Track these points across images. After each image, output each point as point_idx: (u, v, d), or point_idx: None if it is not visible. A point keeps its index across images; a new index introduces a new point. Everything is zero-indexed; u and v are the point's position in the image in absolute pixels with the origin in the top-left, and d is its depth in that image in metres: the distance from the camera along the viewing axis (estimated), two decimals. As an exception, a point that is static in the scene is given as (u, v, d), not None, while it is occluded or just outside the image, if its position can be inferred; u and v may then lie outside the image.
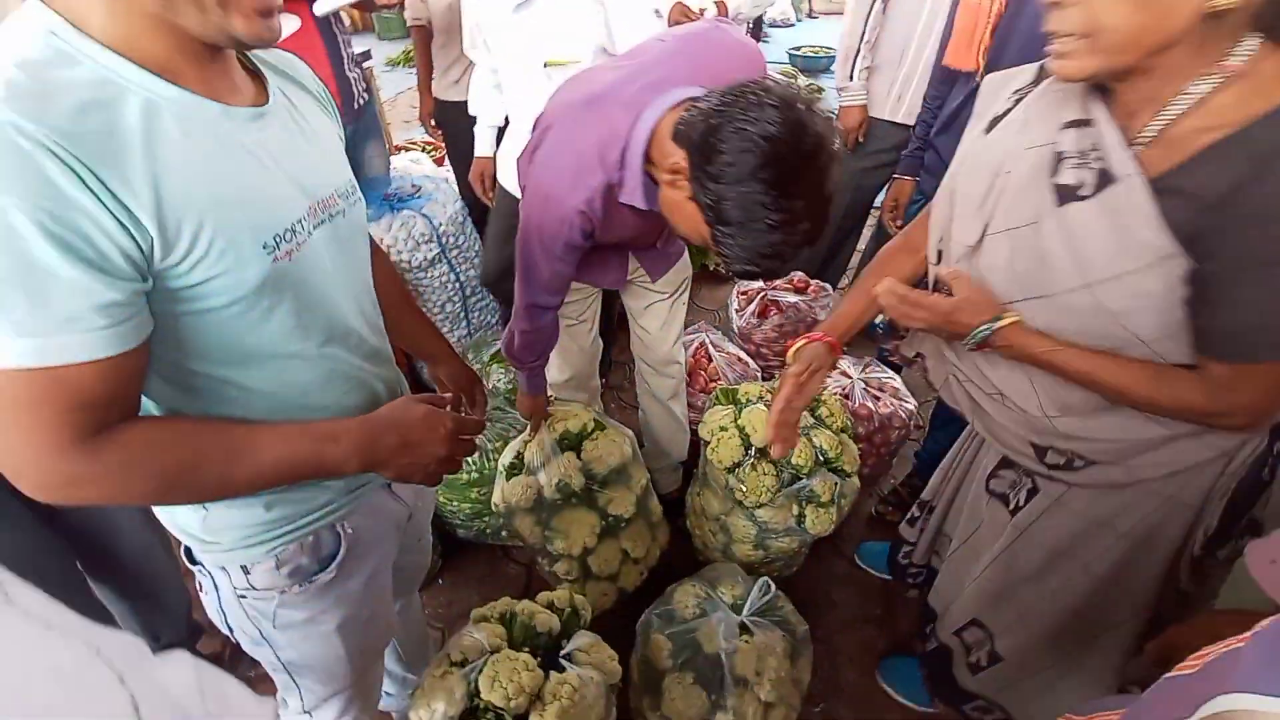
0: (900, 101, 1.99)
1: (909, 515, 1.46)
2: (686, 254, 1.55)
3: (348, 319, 0.76)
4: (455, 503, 1.66)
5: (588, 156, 1.02)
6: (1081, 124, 0.76)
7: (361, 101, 1.97)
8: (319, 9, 1.68)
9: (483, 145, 1.88)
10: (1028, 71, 0.88)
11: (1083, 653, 1.11)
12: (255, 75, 0.70)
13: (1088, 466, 0.92)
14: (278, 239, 0.64)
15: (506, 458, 1.52)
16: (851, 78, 2.01)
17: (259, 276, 0.62)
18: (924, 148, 1.78)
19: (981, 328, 0.85)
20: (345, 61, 1.86)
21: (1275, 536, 0.73)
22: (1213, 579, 0.99)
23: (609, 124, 1.00)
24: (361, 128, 2.03)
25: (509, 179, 1.64)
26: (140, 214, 0.53)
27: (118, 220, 0.52)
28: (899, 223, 1.84)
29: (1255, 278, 0.68)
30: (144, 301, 0.57)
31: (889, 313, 0.93)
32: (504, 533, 1.69)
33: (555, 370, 1.67)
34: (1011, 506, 1.08)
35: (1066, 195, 0.76)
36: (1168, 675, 0.53)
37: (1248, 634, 0.45)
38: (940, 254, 0.97)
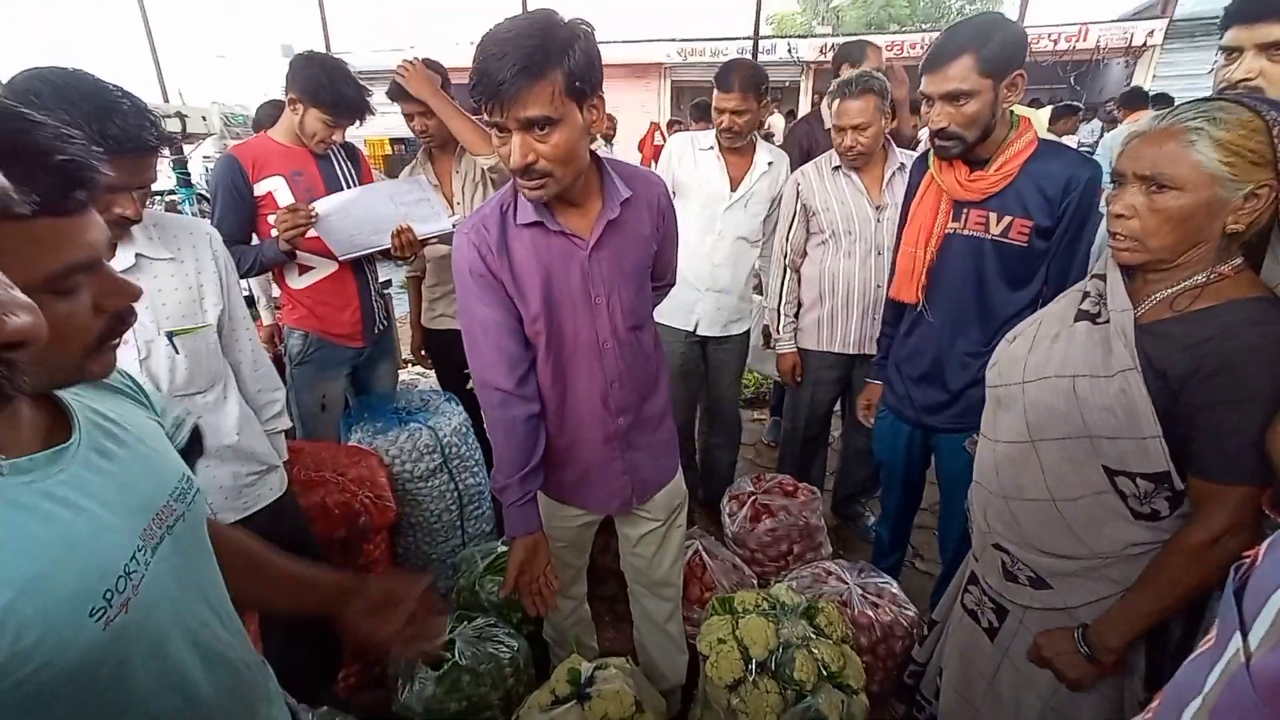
0: (831, 334, 2.30)
1: (904, 635, 1.61)
2: (680, 477, 1.56)
3: (190, 654, 0.64)
4: (439, 734, 1.54)
5: (487, 205, 1.24)
6: (1103, 277, 1.09)
7: (382, 327, 2.20)
8: (340, 255, 1.94)
9: None
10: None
11: None
12: (45, 403, 0.60)
13: (1037, 587, 1.17)
14: (110, 595, 0.53)
15: None
16: (779, 332, 2.38)
17: (85, 651, 0.51)
18: (885, 359, 1.99)
19: (1080, 649, 1.10)
20: (373, 295, 2.13)
21: None
22: None
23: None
24: (378, 350, 2.25)
25: None
26: None
27: None
28: (874, 418, 1.99)
29: (1224, 411, 0.92)
30: None
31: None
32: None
33: None
34: (985, 626, 1.28)
35: (1081, 316, 1.10)
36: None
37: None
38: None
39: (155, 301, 1.29)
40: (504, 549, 1.99)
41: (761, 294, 2.58)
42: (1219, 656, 0.49)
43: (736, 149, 2.26)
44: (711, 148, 2.27)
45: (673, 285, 1.55)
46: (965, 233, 1.58)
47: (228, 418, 1.42)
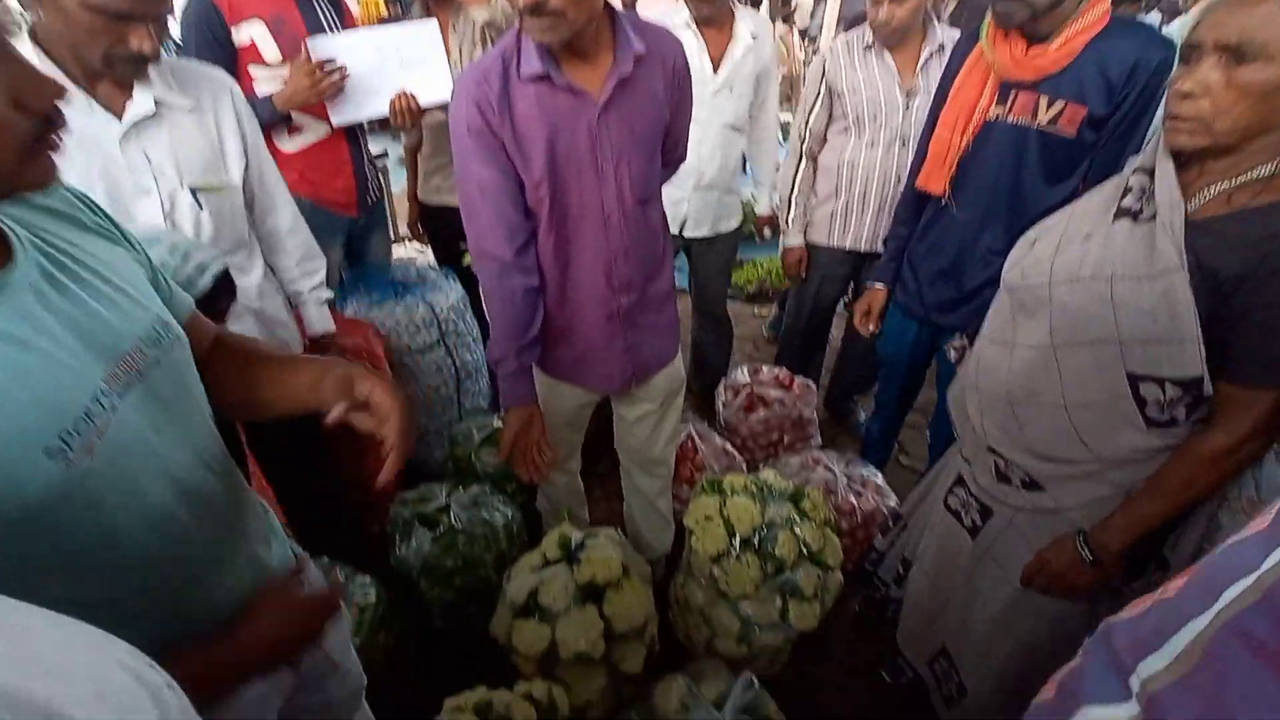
0: (844, 229, 2.20)
1: (881, 524, 1.64)
2: (680, 361, 1.55)
3: (176, 500, 0.63)
4: (437, 590, 1.63)
5: (487, 57, 1.14)
6: (1148, 170, 0.98)
7: (375, 198, 2.11)
8: (336, 121, 1.82)
9: None
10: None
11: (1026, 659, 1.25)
12: None
13: (1029, 489, 1.16)
14: (67, 436, 0.51)
15: (519, 591, 1.40)
16: (788, 224, 2.27)
17: (44, 491, 0.49)
18: (898, 259, 1.92)
19: (1083, 553, 1.08)
20: (365, 163, 2.02)
21: None
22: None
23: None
24: (371, 221, 2.16)
25: None
26: None
27: None
28: (872, 327, 1.95)
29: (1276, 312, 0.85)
30: None
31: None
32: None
33: None
34: (968, 525, 1.28)
35: (1121, 214, 1.00)
36: (1036, 702, 0.65)
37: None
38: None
39: (178, 153, 1.23)
40: (499, 423, 2.02)
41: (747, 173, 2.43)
42: None
43: (713, 21, 1.99)
44: (688, 26, 1.99)
45: (682, 161, 1.46)
46: (1009, 119, 1.46)
47: (251, 284, 1.42)
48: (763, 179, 2.41)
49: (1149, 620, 0.52)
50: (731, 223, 2.32)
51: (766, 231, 2.58)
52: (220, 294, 1.17)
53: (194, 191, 1.26)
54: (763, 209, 2.48)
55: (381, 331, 2.02)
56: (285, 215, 1.49)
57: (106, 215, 0.70)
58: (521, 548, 1.74)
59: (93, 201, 0.68)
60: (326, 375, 0.79)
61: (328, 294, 1.62)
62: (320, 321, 1.63)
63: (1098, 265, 1.00)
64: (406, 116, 1.85)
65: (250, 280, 1.42)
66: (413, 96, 1.83)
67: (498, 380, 1.34)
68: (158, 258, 1.03)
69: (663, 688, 1.32)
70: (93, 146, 1.15)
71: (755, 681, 1.31)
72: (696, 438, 2.05)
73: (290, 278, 1.56)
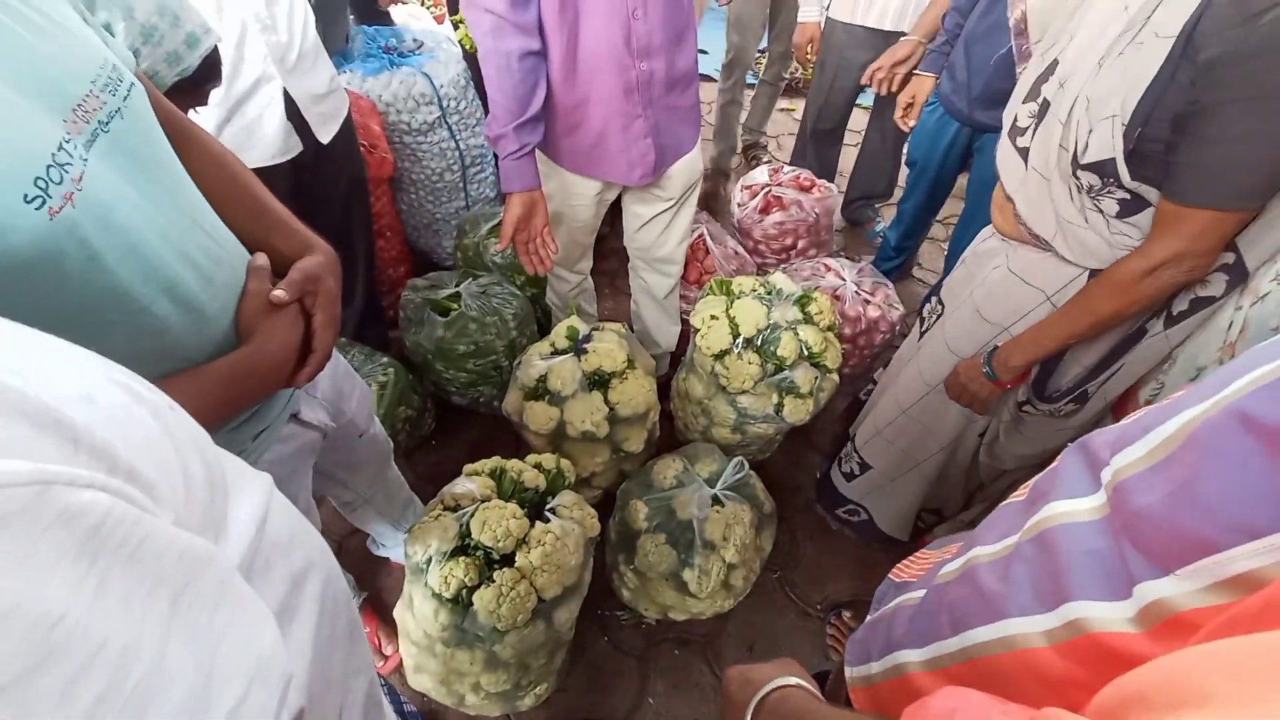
0: (869, 4, 1.93)
1: (886, 334, 1.84)
2: (699, 151, 1.47)
3: (179, 262, 0.61)
4: (451, 371, 1.72)
5: None
6: None
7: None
8: None
9: None
10: None
11: (910, 471, 1.47)
12: None
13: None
14: (42, 183, 0.48)
15: (529, 376, 1.44)
16: None
17: (34, 239, 0.47)
18: (950, 46, 1.70)
19: (984, 369, 1.13)
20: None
21: None
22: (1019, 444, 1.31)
23: None
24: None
25: None
26: None
27: None
28: (911, 122, 1.80)
29: (1227, 113, 0.76)
30: None
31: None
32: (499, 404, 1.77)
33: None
34: (924, 328, 1.38)
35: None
36: (1004, 503, 0.66)
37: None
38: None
39: None
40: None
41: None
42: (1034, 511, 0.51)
43: None
44: None
45: None
46: None
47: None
48: None
49: (1137, 423, 0.51)
50: None
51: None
52: (206, 78, 1.04)
53: None
54: None
55: (379, 107, 1.88)
56: None
57: None
58: (531, 338, 1.79)
59: None
60: (305, 256, 0.76)
61: None
62: None
63: (1103, 27, 0.88)
64: None
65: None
66: None
67: (498, 163, 1.26)
68: (143, 18, 0.90)
69: (661, 464, 1.45)
70: None
71: (746, 465, 1.43)
72: (709, 239, 2.00)
73: None
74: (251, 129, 1.33)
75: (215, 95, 1.23)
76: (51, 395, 0.24)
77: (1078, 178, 0.91)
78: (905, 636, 0.73)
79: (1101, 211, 0.93)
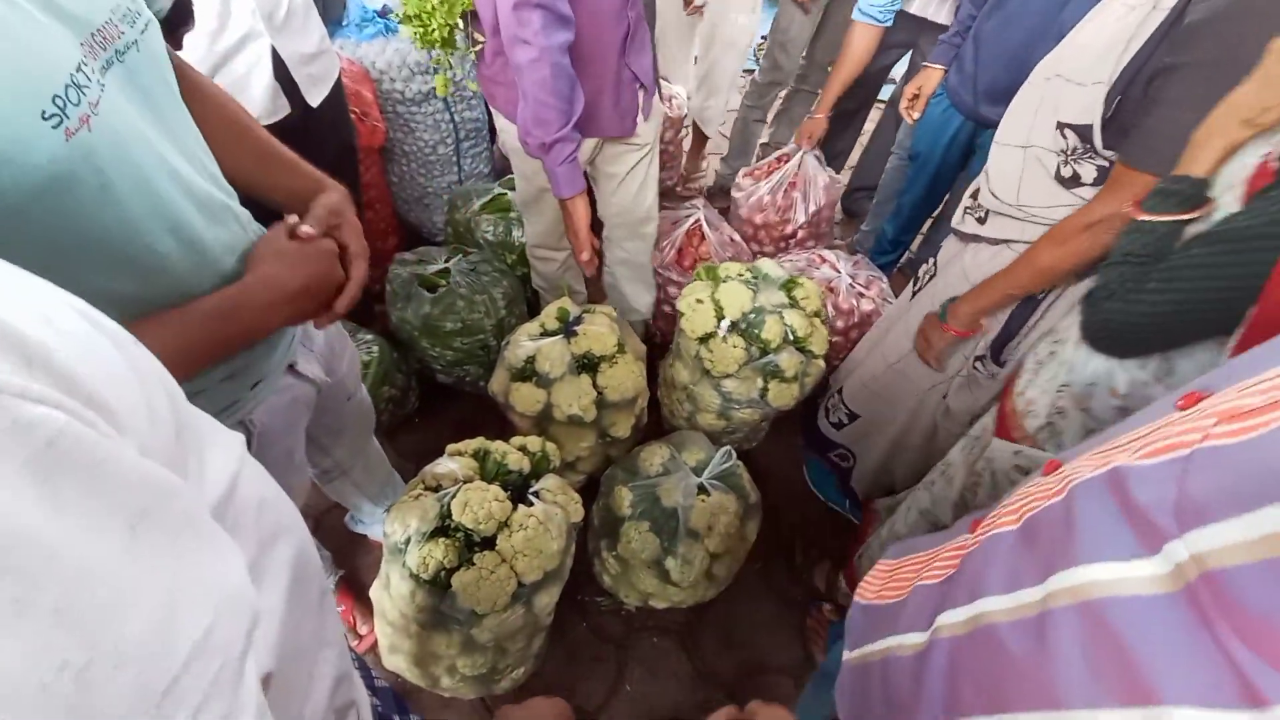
0: None
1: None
2: (658, 98, 1.49)
3: (185, 199, 0.61)
4: (437, 349, 1.69)
5: None
6: None
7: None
8: None
9: None
10: None
11: (890, 425, 1.54)
12: None
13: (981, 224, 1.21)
14: (60, 102, 0.46)
15: (517, 356, 1.42)
16: None
17: (51, 159, 0.46)
18: (960, 38, 1.67)
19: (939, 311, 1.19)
20: None
21: None
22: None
23: None
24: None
25: None
26: None
27: None
28: (916, 113, 1.77)
29: (1172, 78, 0.78)
30: None
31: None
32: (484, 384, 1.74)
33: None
34: (917, 288, 1.41)
35: None
36: (992, 531, 0.57)
37: (1059, 492, 0.50)
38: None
39: None
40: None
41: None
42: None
43: None
44: None
45: None
46: None
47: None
48: None
49: (1219, 488, 0.37)
50: None
51: None
52: (180, 20, 1.00)
53: None
54: None
55: (371, 75, 1.82)
56: None
57: None
58: (520, 318, 1.76)
59: None
60: (320, 195, 0.79)
61: None
62: None
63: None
64: None
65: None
66: None
67: (550, 169, 1.25)
68: None
69: (648, 451, 1.43)
70: None
71: (733, 454, 1.41)
72: (705, 225, 1.97)
73: None
74: (238, 88, 1.28)
75: (198, 50, 1.19)
76: (3, 311, 0.22)
77: (1064, 136, 0.95)
78: (916, 701, 0.59)
79: (1079, 177, 0.96)
